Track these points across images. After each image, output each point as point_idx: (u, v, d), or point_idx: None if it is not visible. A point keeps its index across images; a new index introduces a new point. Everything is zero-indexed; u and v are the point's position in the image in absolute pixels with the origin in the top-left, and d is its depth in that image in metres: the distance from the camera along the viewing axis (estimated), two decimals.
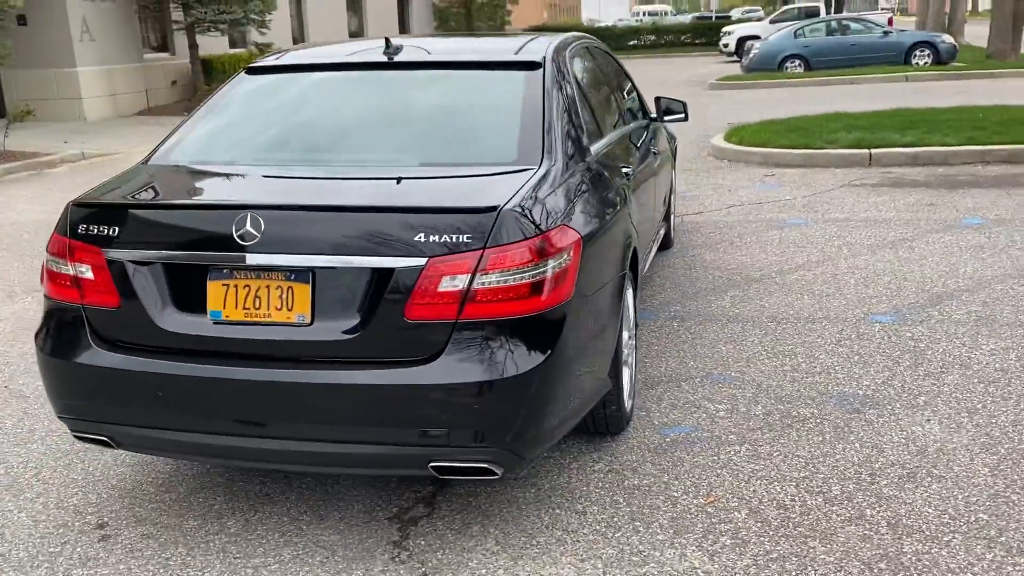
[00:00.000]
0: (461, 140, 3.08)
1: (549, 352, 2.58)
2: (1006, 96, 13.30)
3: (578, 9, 70.90)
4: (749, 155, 9.68)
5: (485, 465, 2.59)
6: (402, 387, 2.52)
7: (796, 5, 29.39)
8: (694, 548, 2.77)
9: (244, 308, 2.64)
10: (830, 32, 21.61)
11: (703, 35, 35.58)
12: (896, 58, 20.77)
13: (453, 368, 2.51)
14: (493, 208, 2.55)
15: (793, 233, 6.59)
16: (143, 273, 2.70)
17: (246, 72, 3.60)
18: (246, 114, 3.42)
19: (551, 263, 2.56)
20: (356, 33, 28.26)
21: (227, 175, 3.01)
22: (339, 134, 3.19)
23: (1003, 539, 2.73)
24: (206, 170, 3.07)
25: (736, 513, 2.94)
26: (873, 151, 9.06)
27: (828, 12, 28.73)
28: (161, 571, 2.78)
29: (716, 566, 2.68)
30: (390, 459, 2.64)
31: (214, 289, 2.66)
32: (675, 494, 3.08)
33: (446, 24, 35.60)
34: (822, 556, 2.70)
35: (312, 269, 2.57)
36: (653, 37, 35.96)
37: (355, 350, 2.56)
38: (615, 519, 2.94)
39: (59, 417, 2.92)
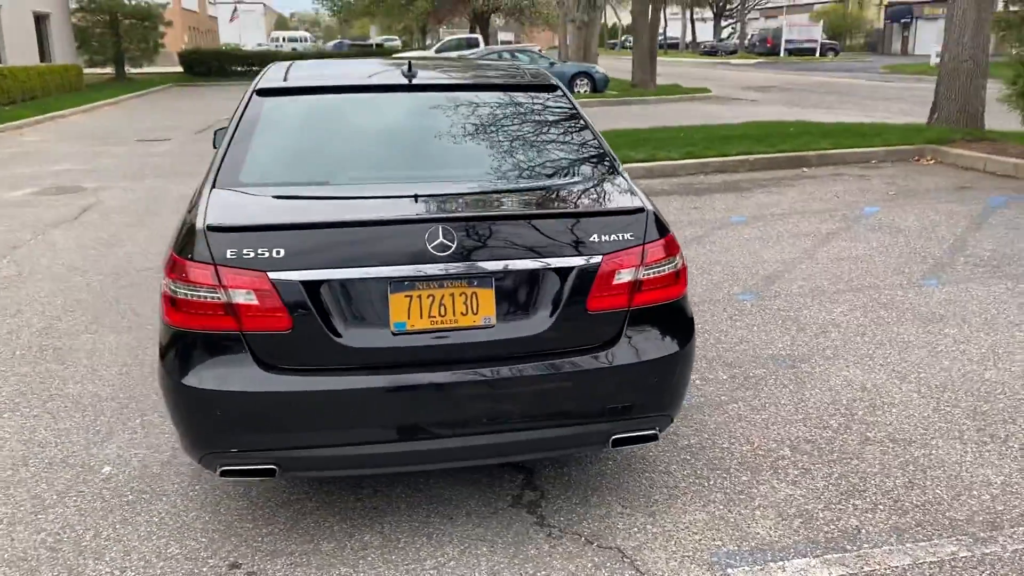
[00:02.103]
0: (544, 154, 3.38)
1: (691, 328, 3.05)
2: (675, 118, 15.73)
3: (216, 33, 68.40)
4: None
5: (653, 431, 2.97)
6: (592, 372, 2.82)
7: (456, 36, 31.41)
8: (776, 482, 3.38)
9: (430, 317, 2.76)
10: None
11: None
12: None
13: (633, 350, 2.87)
14: (642, 209, 2.96)
15: None
16: (316, 293, 2.68)
17: (257, 94, 3.54)
18: (300, 135, 3.38)
19: (679, 256, 3.02)
20: None
21: (355, 196, 2.96)
22: (424, 152, 3.31)
23: (967, 436, 3.70)
24: (319, 192, 3.02)
25: (782, 451, 3.61)
26: None
27: (487, 43, 31.13)
28: None
29: (803, 491, 3.31)
30: (578, 438, 2.91)
31: (397, 301, 2.74)
32: (724, 445, 3.67)
33: (88, 46, 32.63)
34: (868, 469, 3.45)
35: (494, 274, 2.77)
36: None
37: (542, 344, 2.81)
38: (699, 471, 3.46)
39: (204, 456, 2.75)
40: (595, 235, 2.85)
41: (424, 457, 2.85)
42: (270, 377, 2.68)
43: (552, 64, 23.67)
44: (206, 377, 2.68)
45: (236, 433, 2.71)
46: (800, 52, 52.85)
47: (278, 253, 2.67)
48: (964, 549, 2.92)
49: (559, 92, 3.77)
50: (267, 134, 3.35)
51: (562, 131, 3.54)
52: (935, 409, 3.96)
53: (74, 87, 27.20)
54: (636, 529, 3.08)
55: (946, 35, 11.89)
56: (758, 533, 3.04)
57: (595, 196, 3.08)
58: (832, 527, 3.07)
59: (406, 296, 2.74)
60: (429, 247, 2.70)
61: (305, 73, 3.85)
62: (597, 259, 2.83)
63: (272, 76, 3.73)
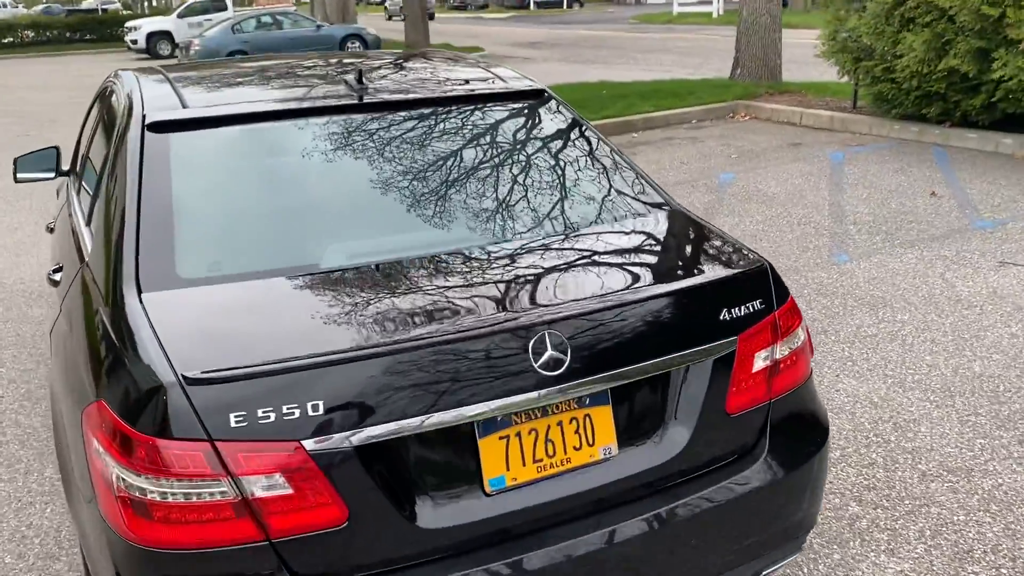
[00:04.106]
0: (587, 194, 2.53)
1: (826, 413, 2.39)
2: None
3: None
4: None
5: (800, 551, 2.30)
6: (743, 497, 2.08)
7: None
8: (874, 555, 2.84)
9: (535, 461, 1.89)
10: (264, 27, 21.61)
11: (93, 31, 32.47)
12: (332, 51, 21.78)
13: (782, 456, 2.17)
14: (763, 265, 2.24)
15: None
16: (379, 459, 1.74)
17: (151, 130, 2.40)
18: (242, 190, 2.30)
19: (803, 322, 2.34)
20: None
21: (388, 289, 1.96)
22: (433, 206, 2.34)
23: (1016, 454, 3.37)
24: (323, 284, 2.00)
25: (850, 507, 3.09)
26: None
27: (234, 7, 28.56)
28: None
29: (909, 563, 2.80)
30: None
31: (490, 447, 1.84)
32: None
33: None
34: (952, 517, 3.01)
35: (612, 385, 1.95)
36: (33, 34, 31.56)
37: (676, 469, 2.04)
38: None
39: None
40: (724, 309, 2.09)
41: None
42: None
43: (319, 27, 22.04)
44: None
45: None
46: (548, 5, 53.73)
47: (315, 408, 1.68)
48: None
49: (552, 100, 2.96)
50: (191, 194, 2.26)
51: (586, 156, 2.73)
52: (960, 421, 3.63)
53: None
54: None
55: None
56: None
57: (693, 250, 2.31)
58: None
59: (501, 438, 1.86)
60: (536, 365, 1.83)
61: (202, 89, 2.73)
62: (732, 340, 2.08)
63: (156, 99, 2.58)
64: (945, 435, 3.53)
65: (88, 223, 2.66)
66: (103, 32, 32.31)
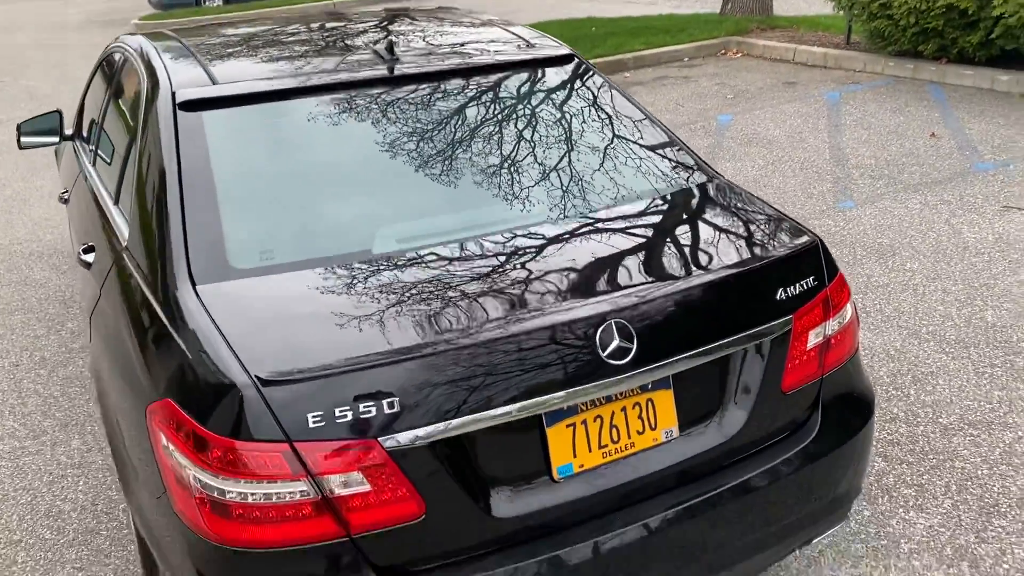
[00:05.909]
0: (625, 161, 2.51)
1: (871, 386, 2.43)
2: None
3: None
4: None
5: (845, 521, 2.36)
6: (799, 472, 2.11)
7: None
8: (903, 512, 2.92)
9: (600, 447, 1.91)
10: None
11: None
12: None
13: (833, 430, 2.21)
14: (814, 241, 2.24)
15: None
16: (455, 454, 1.75)
17: (183, 109, 2.34)
18: (283, 172, 2.26)
19: (850, 296, 2.35)
20: None
21: (454, 277, 1.95)
22: (482, 186, 2.30)
23: None
24: (383, 273, 1.98)
25: (875, 462, 3.16)
26: None
27: None
28: None
29: (938, 518, 2.88)
30: (778, 554, 2.22)
31: (557, 436, 1.86)
32: None
33: None
34: (976, 471, 3.09)
35: (674, 369, 1.96)
36: None
37: (734, 446, 2.07)
38: None
39: None
40: (780, 288, 2.10)
41: None
42: None
43: None
44: None
45: None
46: None
47: (390, 406, 1.68)
48: None
49: (578, 62, 2.90)
50: (231, 177, 2.21)
51: (626, 125, 2.69)
52: (977, 373, 3.69)
53: None
54: None
55: None
56: None
57: (747, 228, 2.30)
58: (1007, 568, 2.67)
59: (568, 426, 1.88)
60: (603, 355, 1.83)
61: (226, 61, 2.65)
62: (788, 320, 2.10)
63: (182, 73, 2.50)
64: (963, 388, 3.59)
65: (116, 202, 2.61)
66: None
